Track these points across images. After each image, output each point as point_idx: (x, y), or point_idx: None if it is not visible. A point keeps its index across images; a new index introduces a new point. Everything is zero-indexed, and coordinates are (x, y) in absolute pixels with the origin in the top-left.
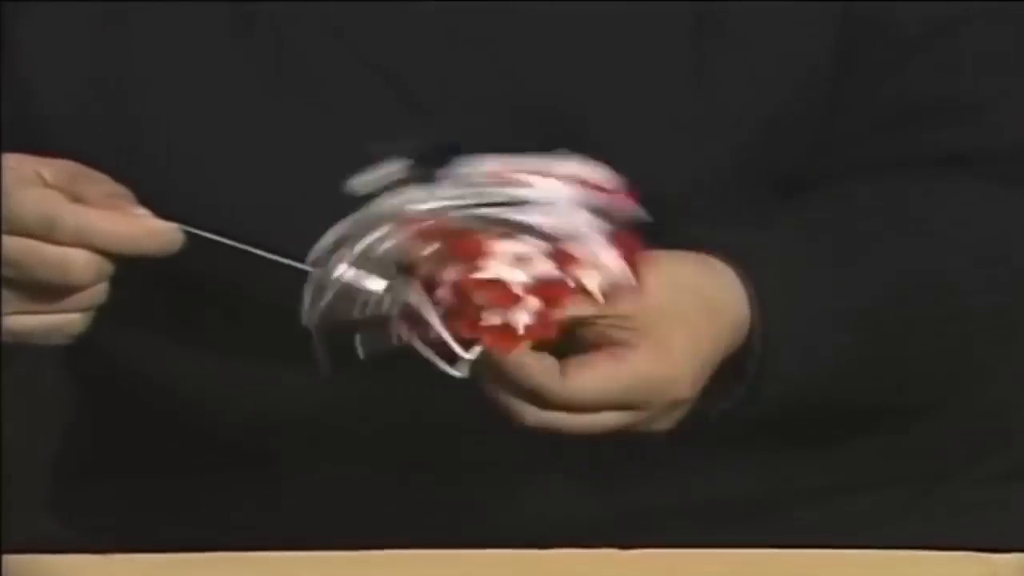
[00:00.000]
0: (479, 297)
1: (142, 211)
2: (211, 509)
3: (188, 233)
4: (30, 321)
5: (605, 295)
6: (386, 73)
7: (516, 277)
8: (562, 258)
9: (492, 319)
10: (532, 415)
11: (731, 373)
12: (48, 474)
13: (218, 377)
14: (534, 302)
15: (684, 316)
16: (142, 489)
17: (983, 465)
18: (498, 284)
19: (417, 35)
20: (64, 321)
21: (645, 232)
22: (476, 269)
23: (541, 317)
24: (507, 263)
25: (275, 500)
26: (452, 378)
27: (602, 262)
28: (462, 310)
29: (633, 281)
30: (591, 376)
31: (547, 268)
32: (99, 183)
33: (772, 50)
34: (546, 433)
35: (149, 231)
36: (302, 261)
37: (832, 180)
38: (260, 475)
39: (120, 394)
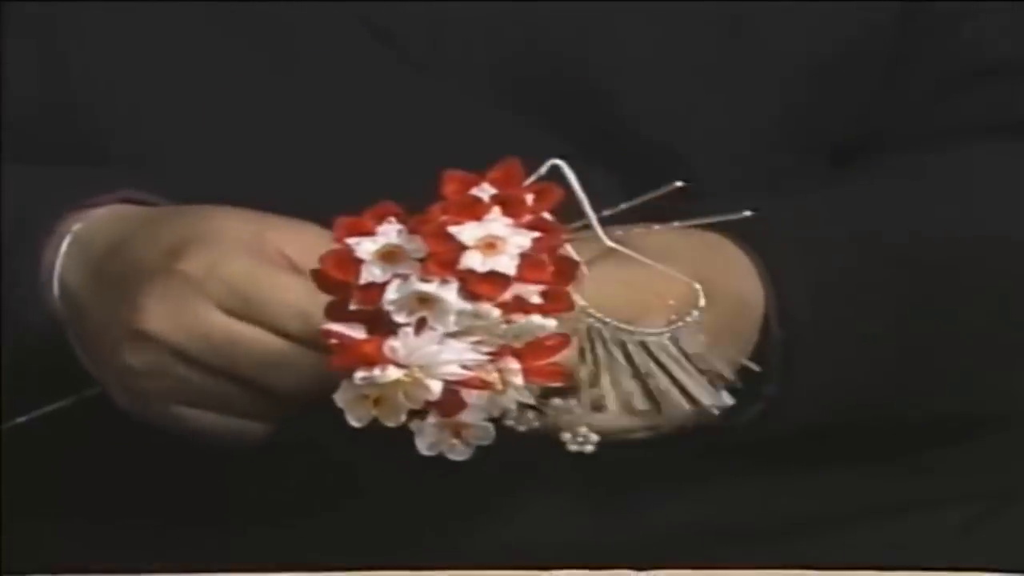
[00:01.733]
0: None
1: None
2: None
3: None
4: (209, 420)
5: None
6: (384, 33)
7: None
8: None
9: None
10: None
11: (757, 378)
12: None
13: None
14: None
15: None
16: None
17: None
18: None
19: None
20: (247, 428)
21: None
22: None
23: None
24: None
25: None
26: None
27: None
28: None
29: None
30: None
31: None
32: None
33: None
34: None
35: None
36: None
37: (886, 149)
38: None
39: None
